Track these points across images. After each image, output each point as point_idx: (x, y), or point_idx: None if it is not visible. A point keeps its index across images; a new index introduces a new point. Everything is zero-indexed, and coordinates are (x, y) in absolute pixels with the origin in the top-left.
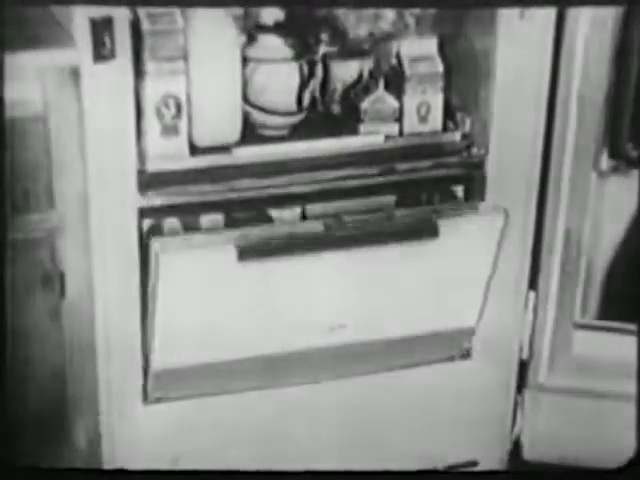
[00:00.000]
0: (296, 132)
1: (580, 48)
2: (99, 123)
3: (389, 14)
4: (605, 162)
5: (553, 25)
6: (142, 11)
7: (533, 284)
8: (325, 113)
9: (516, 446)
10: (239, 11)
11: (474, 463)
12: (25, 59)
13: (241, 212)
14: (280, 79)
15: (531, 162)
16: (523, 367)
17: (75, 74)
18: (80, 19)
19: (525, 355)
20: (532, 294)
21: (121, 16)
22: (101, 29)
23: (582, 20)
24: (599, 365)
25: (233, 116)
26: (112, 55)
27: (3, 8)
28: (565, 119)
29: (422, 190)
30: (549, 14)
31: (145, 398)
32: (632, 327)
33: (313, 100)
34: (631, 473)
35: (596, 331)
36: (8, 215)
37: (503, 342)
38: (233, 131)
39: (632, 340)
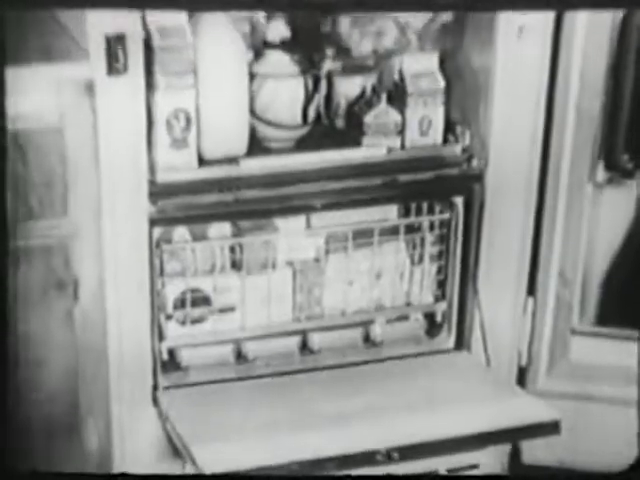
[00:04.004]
0: (301, 145)
1: (576, 64)
2: (112, 135)
3: (392, 31)
4: (601, 173)
5: (550, 43)
6: (153, 27)
7: (531, 291)
8: (329, 127)
9: (516, 450)
10: (246, 28)
11: (475, 466)
12: (42, 73)
13: (247, 221)
14: (286, 94)
15: (529, 173)
16: (522, 372)
17: (89, 88)
18: (95, 35)
19: (524, 361)
20: (530, 300)
21: (134, 32)
22: (115, 45)
23: (578, 36)
24: (596, 370)
25: (240, 129)
26: (125, 70)
27: (5, 23)
28: (562, 132)
29: (423, 200)
30: (546, 32)
31: (155, 401)
32: (629, 333)
33: (318, 114)
34: (633, 477)
35: (593, 337)
36: (19, 223)
37: (502, 348)
38: (240, 143)
39: (629, 346)
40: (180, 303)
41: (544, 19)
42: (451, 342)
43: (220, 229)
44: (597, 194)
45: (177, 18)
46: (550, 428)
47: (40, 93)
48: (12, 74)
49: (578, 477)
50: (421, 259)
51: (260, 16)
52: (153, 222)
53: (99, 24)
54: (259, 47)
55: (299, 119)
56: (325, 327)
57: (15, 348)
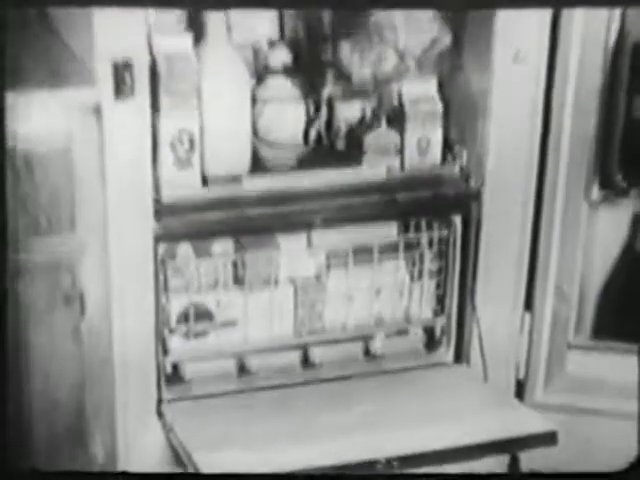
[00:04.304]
0: (302, 165)
1: (571, 86)
2: (118, 155)
3: (391, 57)
4: (596, 192)
5: (545, 66)
6: (159, 53)
7: (528, 306)
8: (330, 148)
9: (514, 461)
10: (249, 54)
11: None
12: (52, 96)
13: (250, 238)
14: (287, 116)
15: (525, 192)
16: (520, 385)
17: (97, 110)
18: (102, 60)
19: (522, 374)
20: (527, 316)
21: (140, 58)
22: (122, 70)
23: (572, 59)
24: (593, 383)
25: (243, 150)
26: (131, 93)
27: (6, 47)
28: (557, 151)
29: (422, 218)
30: (541, 56)
31: (159, 413)
32: (624, 347)
33: (319, 136)
34: (632, 476)
35: (590, 351)
36: (27, 239)
37: (500, 361)
38: (243, 163)
39: (624, 360)
40: (183, 317)
41: (539, 43)
42: (450, 356)
43: (223, 246)
44: (592, 212)
45: (182, 44)
46: (547, 439)
47: (50, 115)
48: (23, 97)
49: (578, 477)
50: (420, 275)
51: (263, 43)
52: (158, 239)
53: (107, 50)
54: (262, 72)
55: (300, 140)
56: (326, 341)
57: (23, 359)
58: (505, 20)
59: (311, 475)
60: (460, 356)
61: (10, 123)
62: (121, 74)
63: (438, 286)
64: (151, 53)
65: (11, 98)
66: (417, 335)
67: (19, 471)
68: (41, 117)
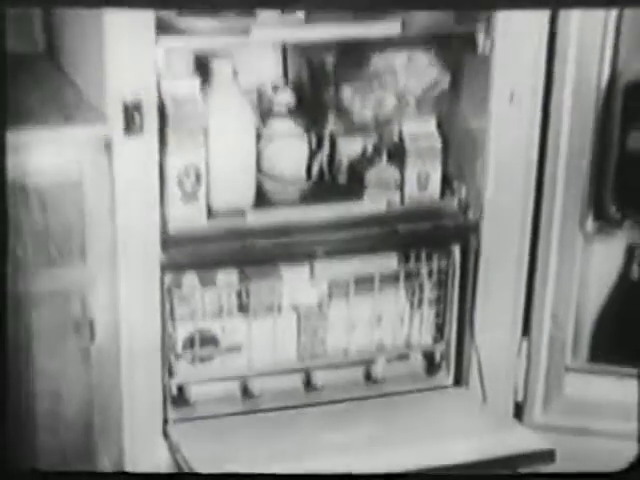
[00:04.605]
0: (305, 199)
1: (566, 123)
2: (127, 189)
3: (391, 100)
4: (591, 224)
5: (540, 106)
6: (167, 95)
7: (526, 331)
8: (332, 182)
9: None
10: (254, 97)
11: None
12: (64, 133)
13: (253, 269)
14: (290, 152)
15: (522, 224)
16: (518, 408)
17: (108, 146)
18: (114, 100)
19: (520, 397)
20: (525, 341)
21: (149, 99)
22: (132, 109)
23: (566, 100)
24: (590, 405)
25: (247, 184)
26: (141, 131)
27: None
28: (553, 185)
29: (422, 249)
30: (536, 96)
31: (165, 434)
32: (620, 370)
33: (321, 170)
34: (632, 476)
35: (586, 374)
36: (40, 269)
37: (499, 385)
38: (247, 197)
39: (620, 382)
40: (189, 343)
41: (534, 84)
42: (450, 379)
43: (227, 275)
44: (587, 242)
45: (190, 87)
46: (546, 457)
47: (62, 151)
48: (37, 134)
49: (578, 477)
50: (420, 304)
51: (267, 86)
52: (164, 269)
53: (118, 90)
54: (266, 113)
55: (303, 175)
56: (328, 365)
57: (35, 381)
58: (501, 62)
59: (312, 475)
60: (460, 380)
61: (26, 158)
62: (131, 113)
63: (438, 314)
64: (160, 95)
65: (26, 135)
66: (417, 360)
67: (19, 471)
68: (54, 153)
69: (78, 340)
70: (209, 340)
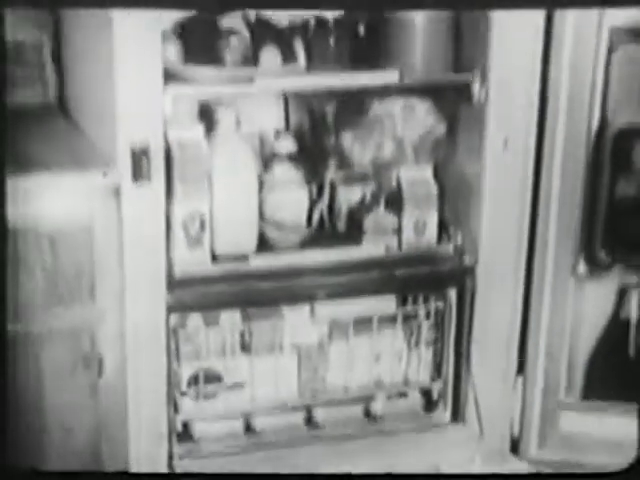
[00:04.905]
0: (306, 244)
1: (557, 170)
2: (135, 233)
3: (389, 145)
4: (582, 267)
5: (533, 153)
6: (174, 141)
7: (521, 370)
8: (332, 229)
9: None
10: (257, 142)
11: None
12: (74, 179)
13: (256, 310)
14: (292, 199)
15: (516, 268)
16: (515, 443)
17: (116, 193)
18: (121, 147)
19: (516, 432)
20: (520, 379)
21: (156, 145)
22: (139, 156)
23: (557, 147)
24: (584, 441)
25: (250, 231)
26: (148, 177)
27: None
28: (545, 231)
29: (419, 292)
30: (528, 144)
31: (170, 468)
32: (613, 406)
33: (321, 217)
34: (632, 476)
35: (580, 410)
36: (51, 308)
37: (495, 421)
38: (250, 243)
39: (614, 418)
40: (194, 381)
41: (527, 131)
42: (447, 416)
43: (231, 316)
44: (579, 285)
45: (195, 134)
46: None
47: (72, 196)
48: (49, 180)
49: (578, 477)
50: (417, 344)
51: (269, 133)
52: (170, 309)
53: (126, 137)
54: (268, 159)
55: (304, 222)
56: (329, 402)
57: (45, 413)
58: (495, 110)
59: (312, 475)
60: (457, 416)
61: (39, 204)
62: (138, 159)
63: (435, 354)
64: (166, 142)
65: (38, 181)
66: (415, 398)
67: (19, 471)
68: (65, 198)
69: (87, 375)
70: (213, 378)
